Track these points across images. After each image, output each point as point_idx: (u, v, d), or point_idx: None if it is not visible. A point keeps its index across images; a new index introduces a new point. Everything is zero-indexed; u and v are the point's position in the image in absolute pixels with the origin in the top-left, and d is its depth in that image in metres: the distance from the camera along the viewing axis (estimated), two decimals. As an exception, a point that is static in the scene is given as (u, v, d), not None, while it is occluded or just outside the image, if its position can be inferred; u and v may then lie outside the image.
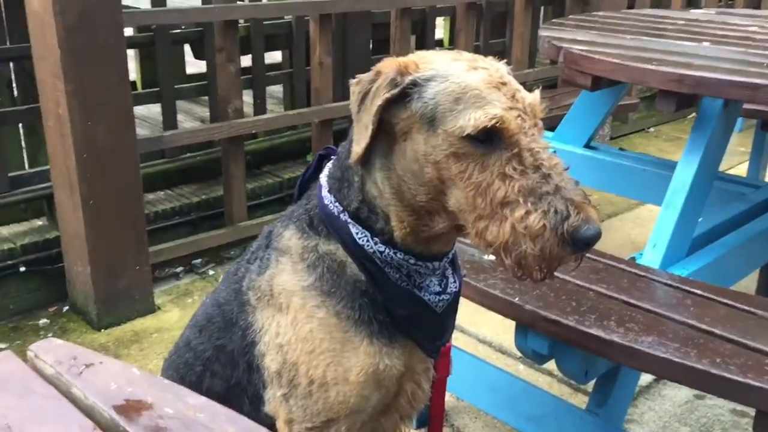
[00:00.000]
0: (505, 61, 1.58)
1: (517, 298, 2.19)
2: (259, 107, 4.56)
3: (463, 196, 1.40)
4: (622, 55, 2.62)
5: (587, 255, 2.58)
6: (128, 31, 5.46)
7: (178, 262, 4.07)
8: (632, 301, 2.19)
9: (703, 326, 2.05)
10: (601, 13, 3.84)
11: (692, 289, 2.27)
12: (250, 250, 1.73)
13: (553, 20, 3.58)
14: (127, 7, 3.52)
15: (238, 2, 3.87)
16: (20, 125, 3.91)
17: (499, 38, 5.71)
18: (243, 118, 4.07)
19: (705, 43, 2.89)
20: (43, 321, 3.63)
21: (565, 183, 1.35)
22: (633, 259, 2.63)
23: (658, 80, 2.42)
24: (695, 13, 3.91)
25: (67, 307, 3.73)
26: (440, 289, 1.59)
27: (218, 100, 3.98)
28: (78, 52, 3.12)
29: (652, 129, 6.81)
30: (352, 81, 1.50)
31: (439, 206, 1.47)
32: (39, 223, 3.85)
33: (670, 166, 3.39)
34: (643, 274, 2.38)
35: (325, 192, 1.58)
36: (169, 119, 4.12)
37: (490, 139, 1.37)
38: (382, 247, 1.51)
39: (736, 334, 2.00)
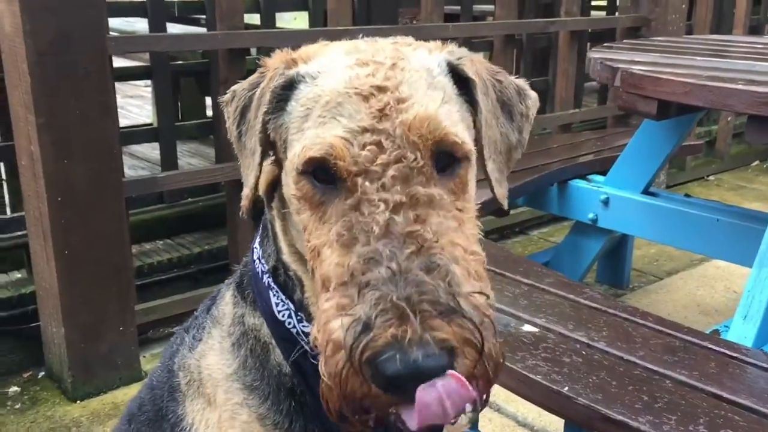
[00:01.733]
0: (450, 46, 1.07)
1: (566, 388, 1.64)
2: (272, 148, 4.11)
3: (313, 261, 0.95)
4: (696, 75, 2.10)
5: (657, 327, 2.04)
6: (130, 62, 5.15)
7: (175, 321, 3.57)
8: (725, 394, 1.62)
9: (833, 436, 1.46)
10: (659, 38, 3.32)
11: (805, 378, 1.68)
12: (195, 313, 1.35)
13: (606, 44, 3.07)
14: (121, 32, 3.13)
15: (247, 30, 3.45)
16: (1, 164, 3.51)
17: (541, 76, 5.21)
18: (251, 159, 3.62)
19: (797, 64, 2.35)
20: (12, 389, 3.16)
21: (407, 270, 0.81)
22: (717, 332, 2.05)
23: (747, 102, 1.89)
24: (772, 37, 3.36)
25: (42, 373, 3.26)
26: None
27: (222, 138, 3.53)
28: (51, 79, 2.71)
29: (712, 177, 6.19)
30: (223, 98, 1.06)
31: None
32: (18, 275, 3.42)
33: (750, 215, 2.82)
34: (734, 354, 1.80)
35: (257, 242, 1.16)
36: (169, 160, 3.69)
37: (333, 179, 0.91)
38: (307, 327, 1.05)
39: None
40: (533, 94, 1.16)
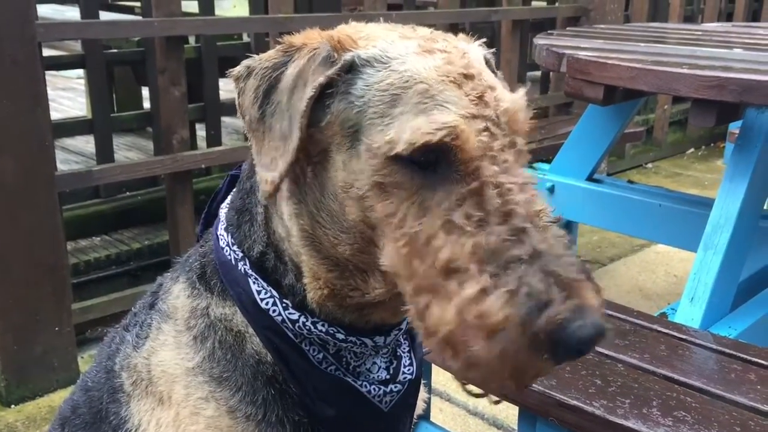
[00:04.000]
0: (483, 41, 1.07)
1: (520, 375, 1.61)
2: (213, 139, 4.00)
3: (394, 253, 0.91)
4: (641, 60, 2.11)
5: (607, 311, 2.05)
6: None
7: (114, 320, 3.43)
8: (676, 376, 1.63)
9: (781, 413, 1.48)
10: (602, 26, 3.35)
11: (752, 358, 1.72)
12: (132, 310, 1.27)
13: (550, 31, 3.08)
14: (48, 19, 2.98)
15: (185, 17, 3.34)
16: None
17: (484, 66, 5.22)
18: (192, 150, 3.51)
19: (737, 50, 2.39)
20: (-59, 395, 2.99)
21: (551, 245, 0.85)
22: (664, 315, 2.08)
23: (692, 86, 1.90)
24: (710, 25, 3.44)
25: (-27, 378, 3.10)
26: (388, 376, 1.10)
27: (161, 129, 3.42)
28: (-25, 67, 2.56)
29: (650, 165, 6.34)
30: (234, 72, 0.99)
31: (372, 262, 0.97)
32: (-56, 275, 3.23)
33: (691, 201, 2.88)
34: (683, 336, 1.82)
35: (221, 230, 1.09)
36: (105, 152, 3.55)
37: (436, 163, 0.89)
38: (294, 314, 1.02)
39: (829, 425, 1.44)
40: None
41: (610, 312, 1.94)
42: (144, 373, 1.13)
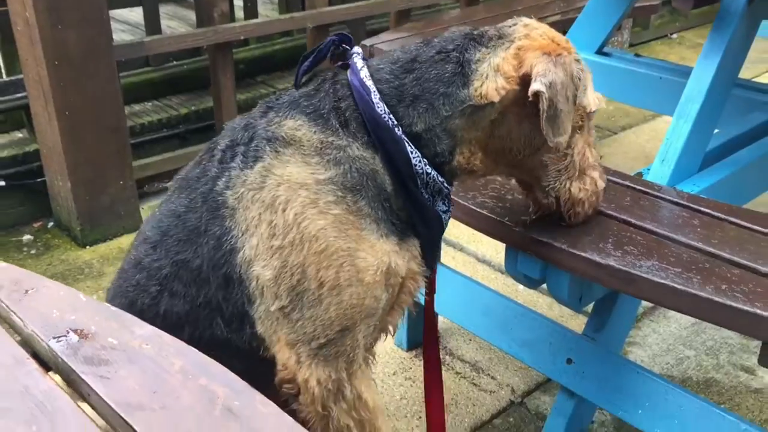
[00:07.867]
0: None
1: (506, 218, 2.00)
2: (250, 11, 4.27)
3: (571, 158, 1.66)
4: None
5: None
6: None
7: (167, 177, 3.91)
8: (633, 221, 1.99)
9: (710, 249, 1.85)
10: None
11: (701, 208, 2.06)
12: (211, 151, 1.50)
13: None
14: None
15: None
16: (-7, 31, 3.68)
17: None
18: (232, 23, 3.81)
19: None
20: (26, 237, 3.51)
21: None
22: (640, 174, 2.42)
23: (673, -28, 2.14)
24: None
25: (52, 223, 3.61)
26: (445, 208, 1.62)
27: (203, 2, 3.71)
28: (40, -53, 2.86)
29: (674, 35, 6.42)
30: (544, 89, 1.49)
31: (517, 162, 1.67)
32: (19, 135, 3.68)
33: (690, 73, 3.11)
34: (648, 191, 2.16)
35: (376, 98, 1.44)
36: (153, 24, 3.86)
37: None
38: (429, 169, 1.50)
39: (745, 258, 1.80)
40: None
41: (591, 170, 2.28)
42: (256, 184, 1.39)
